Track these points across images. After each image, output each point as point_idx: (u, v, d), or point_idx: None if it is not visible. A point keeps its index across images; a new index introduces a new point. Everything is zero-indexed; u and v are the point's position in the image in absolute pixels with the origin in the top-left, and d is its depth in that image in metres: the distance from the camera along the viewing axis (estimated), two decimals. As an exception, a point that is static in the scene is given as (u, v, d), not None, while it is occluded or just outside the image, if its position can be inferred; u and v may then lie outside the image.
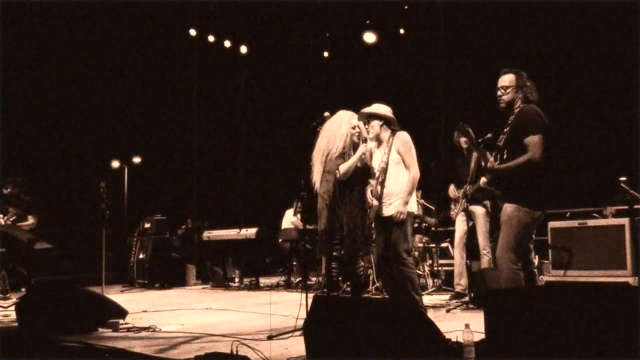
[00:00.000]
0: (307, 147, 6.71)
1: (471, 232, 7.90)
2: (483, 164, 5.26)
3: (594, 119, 10.96)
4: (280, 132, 15.42)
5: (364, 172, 6.49)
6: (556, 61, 11.09)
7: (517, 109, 5.11)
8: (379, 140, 6.34)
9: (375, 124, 6.29)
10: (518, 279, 4.92)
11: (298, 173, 6.51)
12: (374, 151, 6.55)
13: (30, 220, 9.55)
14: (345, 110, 6.70)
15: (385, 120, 6.29)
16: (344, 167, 6.33)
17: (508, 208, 5.01)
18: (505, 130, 5.17)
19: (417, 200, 8.12)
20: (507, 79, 5.20)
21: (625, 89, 9.85)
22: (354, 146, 6.45)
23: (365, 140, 6.33)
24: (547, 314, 3.09)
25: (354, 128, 6.43)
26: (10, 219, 9.44)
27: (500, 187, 5.23)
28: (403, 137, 6.21)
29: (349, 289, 8.11)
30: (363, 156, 6.38)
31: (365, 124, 6.42)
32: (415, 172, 6.15)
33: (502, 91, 5.19)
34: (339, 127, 6.44)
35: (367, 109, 6.39)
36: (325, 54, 14.10)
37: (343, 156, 6.41)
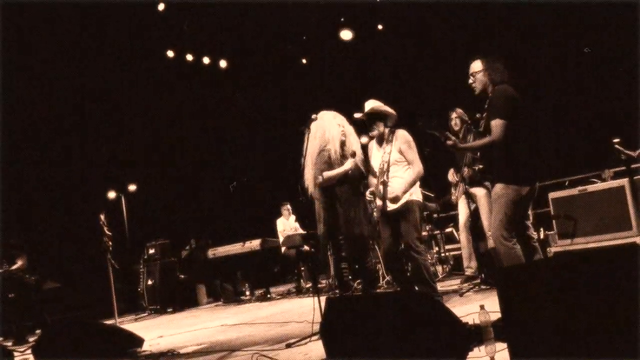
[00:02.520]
0: (297, 153, 6.69)
1: (475, 215, 7.88)
2: (447, 142, 5.31)
3: (582, 86, 10.98)
4: (268, 140, 15.41)
5: (353, 172, 6.45)
6: (547, 31, 11.06)
7: (491, 92, 5.19)
8: (380, 139, 6.35)
9: (381, 123, 6.31)
10: (514, 254, 4.98)
11: (287, 180, 6.48)
12: (370, 150, 6.56)
13: (19, 262, 9.45)
14: (326, 110, 6.65)
15: (389, 118, 6.32)
16: (327, 175, 6.25)
17: (497, 187, 5.10)
18: (484, 114, 5.24)
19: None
20: (475, 66, 5.31)
21: (615, 57, 9.89)
22: (342, 144, 6.39)
23: (353, 155, 6.26)
24: (559, 284, 3.10)
25: (341, 128, 6.40)
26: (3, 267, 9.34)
27: (489, 170, 5.32)
28: (404, 136, 6.23)
29: (360, 287, 8.11)
30: (349, 170, 6.28)
31: (369, 124, 6.39)
32: (418, 168, 6.17)
33: (472, 78, 5.28)
34: (328, 130, 6.39)
35: (370, 109, 6.37)
36: (304, 60, 14.11)
37: (330, 159, 6.37)
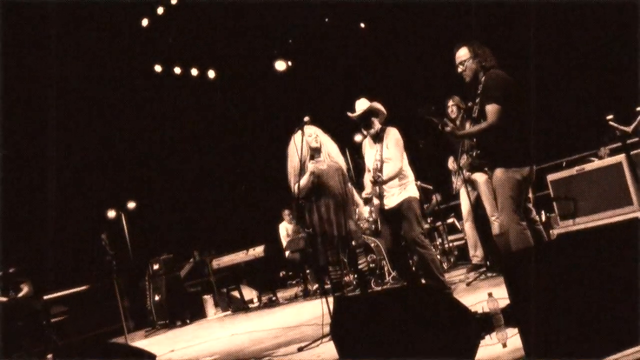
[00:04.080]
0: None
1: (477, 202, 7.85)
2: (446, 129, 5.31)
3: (574, 66, 10.98)
4: (262, 146, 15.40)
5: (329, 174, 6.43)
6: (537, 11, 11.01)
7: (483, 78, 5.17)
8: (373, 136, 6.36)
9: (376, 120, 6.33)
10: (526, 237, 4.97)
11: (285, 184, 6.44)
12: (364, 148, 6.56)
13: (25, 289, 9.43)
14: (307, 125, 6.64)
15: (382, 115, 6.34)
16: (297, 186, 6.27)
17: (497, 173, 5.09)
18: (476, 100, 5.23)
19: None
20: (462, 53, 5.27)
21: (605, 35, 9.90)
22: (312, 150, 6.36)
23: (312, 157, 6.24)
24: (564, 265, 3.10)
25: (310, 135, 6.39)
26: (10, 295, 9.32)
27: (485, 157, 5.31)
28: (395, 134, 6.25)
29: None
30: (312, 176, 6.28)
31: (366, 123, 6.38)
32: (397, 166, 6.17)
33: (462, 66, 5.26)
34: (293, 144, 6.38)
35: (369, 107, 6.37)
36: (289, 63, 14.14)
37: (303, 167, 6.36)
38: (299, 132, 6.23)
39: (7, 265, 9.41)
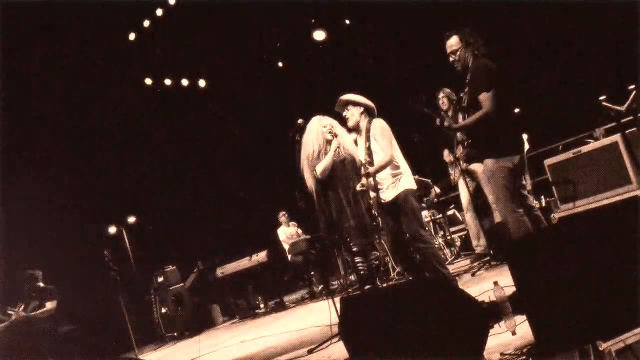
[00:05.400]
0: (287, 159, 6.70)
1: (476, 192, 7.84)
2: (444, 124, 5.30)
3: (565, 50, 10.98)
4: (256, 151, 15.38)
5: (344, 165, 6.46)
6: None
7: (470, 66, 5.17)
8: (359, 129, 6.31)
9: (355, 111, 6.22)
10: (524, 225, 4.99)
11: (280, 187, 6.48)
12: (357, 143, 6.54)
13: (49, 306, 9.44)
14: (315, 116, 6.69)
15: (365, 108, 6.26)
16: (320, 167, 6.30)
17: (488, 164, 5.10)
18: (466, 90, 5.23)
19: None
20: (453, 42, 5.26)
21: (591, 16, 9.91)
22: (327, 142, 6.41)
23: (336, 135, 6.32)
24: (567, 248, 3.10)
25: (325, 127, 6.42)
26: (30, 308, 9.33)
27: (475, 147, 5.33)
28: (380, 124, 6.15)
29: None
30: (338, 150, 6.35)
31: (344, 113, 6.35)
32: (387, 156, 6.02)
33: (453, 56, 5.25)
34: (309, 132, 6.42)
35: (345, 97, 6.32)
36: (280, 64, 14.16)
37: (319, 156, 6.40)
38: (315, 121, 6.27)
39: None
